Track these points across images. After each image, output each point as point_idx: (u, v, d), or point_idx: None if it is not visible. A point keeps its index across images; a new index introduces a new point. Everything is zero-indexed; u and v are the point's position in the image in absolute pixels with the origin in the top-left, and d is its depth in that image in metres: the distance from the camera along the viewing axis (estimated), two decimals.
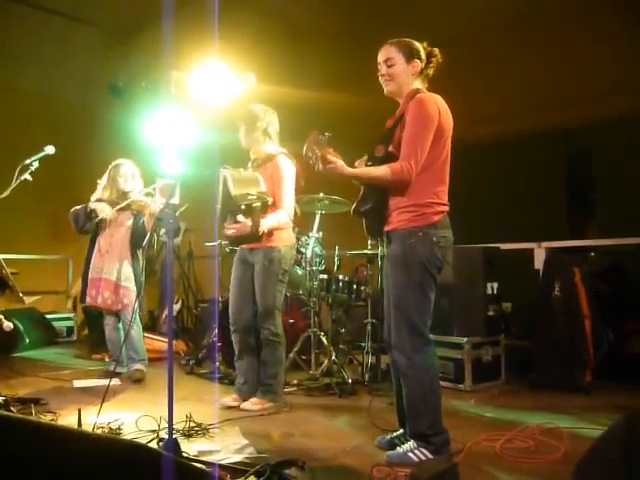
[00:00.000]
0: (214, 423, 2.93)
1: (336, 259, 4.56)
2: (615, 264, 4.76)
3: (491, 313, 4.10)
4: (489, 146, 6.41)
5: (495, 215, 6.45)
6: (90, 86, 6.77)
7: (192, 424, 2.83)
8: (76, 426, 2.62)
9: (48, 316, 6.18)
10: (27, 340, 5.42)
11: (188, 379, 4.31)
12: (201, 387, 4.04)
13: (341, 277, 4.36)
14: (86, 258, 4.32)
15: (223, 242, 4.22)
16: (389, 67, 2.51)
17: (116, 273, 4.10)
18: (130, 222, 4.20)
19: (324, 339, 4.11)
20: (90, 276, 4.20)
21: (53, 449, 1.48)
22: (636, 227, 4.52)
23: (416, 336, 2.39)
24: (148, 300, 4.37)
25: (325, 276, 4.31)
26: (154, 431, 2.70)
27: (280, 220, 3.32)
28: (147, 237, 4.08)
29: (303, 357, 4.27)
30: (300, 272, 4.23)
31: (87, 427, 2.64)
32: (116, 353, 4.16)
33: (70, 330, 6.54)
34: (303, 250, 4.18)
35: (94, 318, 5.92)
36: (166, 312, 6.01)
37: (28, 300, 5.26)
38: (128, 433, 2.73)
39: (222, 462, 2.32)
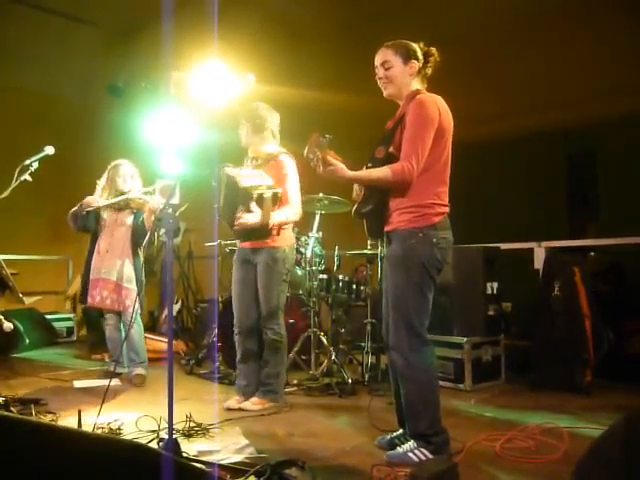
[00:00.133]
0: (214, 423, 2.93)
1: (336, 259, 4.56)
2: (615, 264, 4.76)
3: (491, 313, 4.10)
4: (489, 146, 6.42)
5: (495, 215, 6.46)
6: (90, 86, 6.77)
7: (192, 424, 2.83)
8: (76, 426, 2.62)
9: (48, 316, 6.18)
10: (27, 340, 5.42)
11: (188, 379, 4.31)
12: (201, 387, 4.04)
13: (341, 277, 4.36)
14: (86, 259, 4.32)
15: (229, 239, 4.22)
16: (386, 70, 2.51)
17: (117, 273, 4.09)
18: (130, 221, 4.19)
19: (324, 339, 4.11)
20: (91, 277, 4.20)
21: (53, 449, 1.48)
22: (636, 227, 4.53)
23: (414, 337, 2.39)
24: (148, 300, 4.37)
25: (325, 276, 4.31)
26: (154, 431, 2.70)
27: (289, 216, 3.33)
28: (147, 235, 4.06)
29: (303, 357, 4.27)
30: (300, 272, 4.23)
31: (87, 427, 2.63)
32: (116, 353, 4.15)
33: (70, 330, 6.54)
34: (303, 250, 4.18)
35: (94, 318, 5.93)
36: (166, 312, 6.01)
37: (28, 300, 5.28)
38: (128, 433, 2.73)
39: (222, 462, 2.32)
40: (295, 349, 4.07)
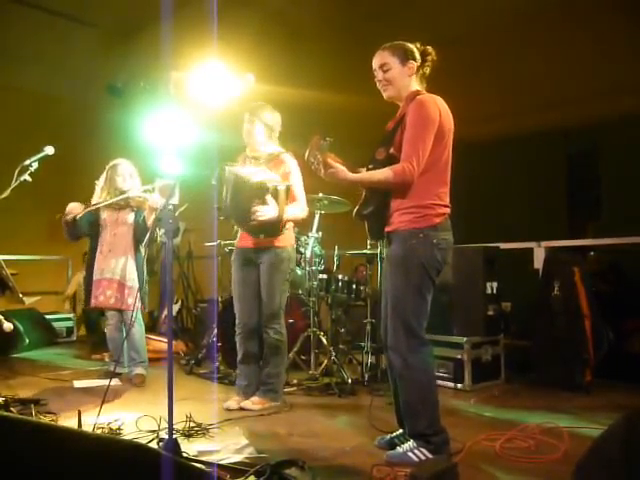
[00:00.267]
0: (214, 423, 2.93)
1: (335, 259, 4.57)
2: (615, 263, 4.76)
3: (491, 313, 4.10)
4: (489, 146, 6.43)
5: (495, 215, 6.46)
6: (90, 86, 6.77)
7: (192, 424, 2.83)
8: (76, 426, 2.62)
9: (48, 316, 6.18)
10: (27, 340, 5.42)
11: (188, 379, 4.31)
12: (201, 387, 4.05)
13: (340, 277, 4.36)
14: (88, 261, 4.31)
15: (229, 239, 4.21)
16: (385, 72, 2.51)
17: (120, 272, 4.09)
18: (131, 219, 4.20)
19: (324, 339, 4.11)
20: (94, 277, 4.20)
21: (53, 449, 1.48)
22: (636, 227, 4.53)
23: (412, 337, 2.39)
24: (148, 300, 4.36)
25: (324, 276, 4.31)
26: (154, 431, 2.70)
27: (297, 212, 3.36)
28: (148, 233, 4.06)
29: (303, 357, 4.27)
30: (300, 272, 4.23)
31: (87, 427, 2.64)
32: (117, 353, 4.15)
33: (70, 330, 6.55)
34: (303, 250, 4.18)
35: (93, 318, 5.93)
36: (166, 312, 6.01)
37: (28, 300, 5.27)
38: (128, 433, 2.73)
39: (222, 462, 2.32)
40: (295, 349, 4.07)
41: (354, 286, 4.36)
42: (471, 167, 5.05)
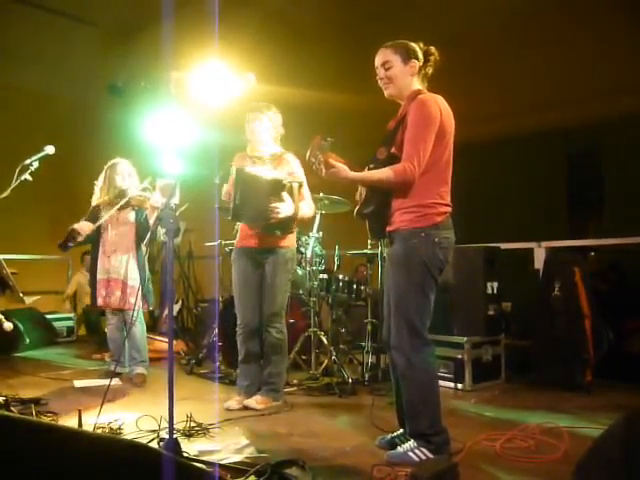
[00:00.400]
0: (214, 423, 2.93)
1: (336, 259, 4.57)
2: (615, 263, 4.76)
3: (491, 312, 4.10)
4: (489, 146, 6.42)
5: (495, 215, 6.46)
6: (90, 86, 6.77)
7: (192, 424, 2.83)
8: (76, 426, 2.62)
9: (48, 316, 6.17)
10: (27, 340, 5.42)
11: (188, 379, 4.31)
12: (201, 387, 4.05)
13: (341, 277, 4.36)
14: (91, 261, 4.32)
15: (229, 238, 4.21)
16: (387, 70, 2.51)
17: (123, 272, 4.10)
18: (133, 218, 4.21)
19: (324, 339, 4.10)
20: (98, 277, 4.20)
21: (53, 449, 1.48)
22: (636, 227, 4.53)
23: (415, 337, 2.39)
24: (151, 299, 4.37)
25: (325, 276, 4.31)
26: (154, 431, 2.71)
27: (307, 211, 3.42)
28: (149, 232, 4.06)
29: (303, 357, 4.27)
30: (300, 272, 4.23)
31: (87, 427, 2.64)
32: (117, 353, 4.15)
33: (70, 330, 6.55)
34: (303, 250, 4.18)
35: (94, 319, 5.94)
36: (166, 312, 6.01)
37: (28, 300, 5.27)
38: (128, 433, 2.74)
39: (222, 462, 2.32)
40: (295, 349, 4.07)
41: (355, 286, 4.36)
42: (471, 167, 5.04)
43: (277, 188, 3.19)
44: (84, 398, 3.51)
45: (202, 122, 2.72)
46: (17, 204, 3.60)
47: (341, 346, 4.56)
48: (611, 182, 6.28)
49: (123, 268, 4.10)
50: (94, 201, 4.31)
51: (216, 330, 4.47)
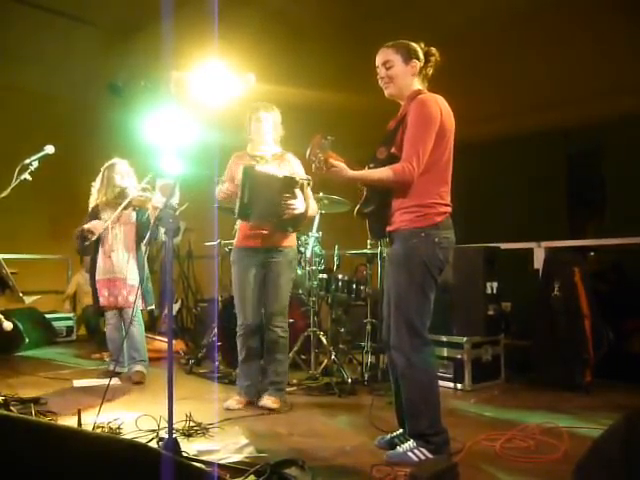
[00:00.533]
0: (214, 423, 2.94)
1: (336, 259, 4.56)
2: (615, 263, 4.76)
3: (491, 312, 4.10)
4: (489, 146, 6.41)
5: (495, 215, 6.45)
6: (90, 85, 6.77)
7: (192, 424, 2.83)
8: (76, 426, 2.62)
9: (48, 316, 6.18)
10: (27, 340, 5.42)
11: (188, 379, 4.31)
12: (201, 387, 4.05)
13: (341, 277, 4.36)
14: (91, 262, 4.32)
15: (229, 238, 4.20)
16: (388, 69, 2.51)
17: (124, 271, 4.12)
18: (133, 218, 4.22)
19: (324, 339, 4.11)
20: (97, 277, 4.20)
21: (53, 449, 1.48)
22: (636, 227, 4.53)
23: (415, 337, 2.39)
24: (151, 298, 4.37)
25: (325, 276, 4.31)
26: (154, 431, 2.71)
27: (314, 208, 3.49)
28: (149, 232, 4.08)
29: (303, 357, 4.28)
30: (300, 272, 4.23)
31: (87, 427, 2.64)
32: (117, 353, 4.16)
33: (70, 329, 6.55)
34: (303, 250, 4.18)
35: (93, 319, 5.93)
36: (166, 311, 6.01)
37: (28, 300, 5.27)
38: (128, 433, 2.74)
39: (222, 462, 2.32)
40: (295, 349, 4.07)
41: (354, 286, 4.36)
42: (471, 167, 5.03)
43: (290, 185, 3.20)
44: (83, 398, 3.51)
45: (202, 122, 2.72)
46: (17, 204, 3.60)
47: (341, 346, 4.56)
48: (611, 182, 6.27)
49: (123, 267, 4.12)
50: (92, 202, 4.31)
51: (215, 330, 4.47)
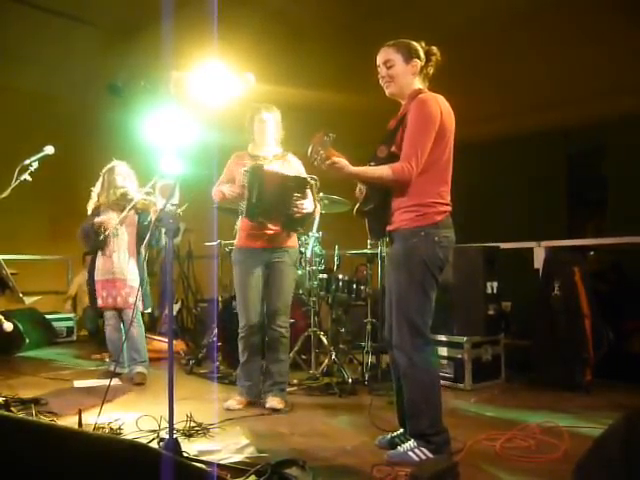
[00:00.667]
0: (214, 423, 2.94)
1: (336, 259, 4.56)
2: (615, 263, 4.76)
3: (491, 312, 4.10)
4: (489, 146, 6.42)
5: (495, 215, 6.46)
6: (90, 86, 6.76)
7: (192, 424, 2.83)
8: (76, 426, 2.62)
9: (48, 316, 6.18)
10: (27, 340, 5.42)
11: (188, 379, 4.31)
12: (201, 387, 4.05)
13: (341, 277, 4.35)
14: (91, 262, 4.32)
15: (230, 239, 4.20)
16: (388, 68, 2.51)
17: (125, 273, 4.14)
18: (136, 221, 4.23)
19: (324, 339, 4.11)
20: (97, 278, 4.21)
21: (53, 449, 1.48)
22: (636, 226, 4.53)
23: (417, 336, 2.40)
24: (149, 301, 4.37)
25: (325, 276, 4.31)
26: (154, 431, 2.71)
27: (319, 208, 3.51)
28: (148, 235, 4.08)
29: (303, 357, 4.28)
30: (300, 272, 4.23)
31: (87, 427, 2.64)
32: (117, 353, 4.16)
33: (70, 330, 6.55)
34: (303, 250, 4.17)
35: (94, 319, 5.93)
36: (166, 312, 6.01)
37: (28, 300, 5.28)
38: (128, 433, 2.74)
39: (222, 462, 2.32)
40: (295, 349, 4.08)
41: (354, 286, 4.36)
42: (471, 167, 5.04)
43: (302, 185, 3.22)
44: (84, 398, 3.51)
45: (202, 122, 2.72)
46: (17, 204, 3.60)
47: (341, 346, 4.56)
48: (611, 182, 6.28)
49: (125, 269, 4.13)
50: (91, 205, 4.31)
51: (215, 330, 4.47)
